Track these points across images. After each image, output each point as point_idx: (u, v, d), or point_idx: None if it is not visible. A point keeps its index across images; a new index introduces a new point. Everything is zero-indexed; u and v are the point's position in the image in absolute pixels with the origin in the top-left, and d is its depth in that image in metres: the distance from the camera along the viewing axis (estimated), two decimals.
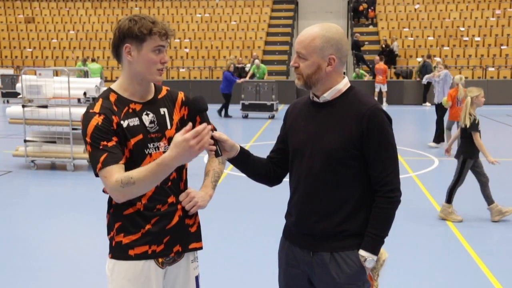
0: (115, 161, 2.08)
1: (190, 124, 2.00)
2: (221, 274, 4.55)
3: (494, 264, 4.74)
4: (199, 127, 1.97)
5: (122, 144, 2.17)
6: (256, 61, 21.30)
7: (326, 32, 2.17)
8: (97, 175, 2.13)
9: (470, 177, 6.03)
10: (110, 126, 2.13)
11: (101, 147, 2.09)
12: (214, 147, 2.19)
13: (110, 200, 2.27)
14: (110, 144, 2.10)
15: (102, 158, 2.08)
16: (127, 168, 2.17)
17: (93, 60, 20.51)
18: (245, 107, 16.57)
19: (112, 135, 2.12)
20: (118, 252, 2.25)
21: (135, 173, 2.05)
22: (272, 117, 16.48)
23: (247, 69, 21.64)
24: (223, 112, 16.73)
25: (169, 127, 2.28)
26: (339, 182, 2.19)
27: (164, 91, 2.35)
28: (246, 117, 16.64)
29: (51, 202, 6.93)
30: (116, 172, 2.06)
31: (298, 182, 2.27)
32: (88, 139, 2.12)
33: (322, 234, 2.23)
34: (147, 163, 2.18)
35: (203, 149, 1.99)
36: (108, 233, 2.30)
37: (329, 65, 2.18)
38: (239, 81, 16.81)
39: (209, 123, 2.23)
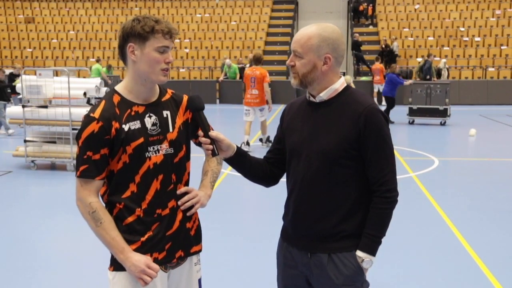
0: (91, 176, 2.16)
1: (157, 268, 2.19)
2: (219, 274, 4.55)
3: (494, 264, 4.74)
4: (155, 275, 2.16)
5: (117, 149, 2.16)
6: (227, 60, 21.43)
7: (323, 32, 2.17)
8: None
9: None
10: (105, 135, 2.14)
11: (85, 156, 2.15)
12: (211, 147, 2.19)
13: (109, 211, 2.25)
14: (94, 156, 2.14)
15: (81, 168, 2.16)
16: (125, 174, 2.18)
17: (97, 61, 20.56)
18: (412, 112, 14.81)
19: (102, 146, 2.14)
20: (119, 263, 2.21)
21: (107, 223, 2.15)
22: (444, 123, 14.69)
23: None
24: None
25: (171, 130, 2.26)
26: (336, 182, 2.18)
27: (168, 94, 2.34)
28: (412, 123, 14.92)
29: (51, 202, 6.93)
30: (92, 190, 2.17)
31: (295, 183, 2.27)
32: (79, 143, 2.17)
33: (319, 235, 2.22)
34: (147, 167, 2.19)
35: (139, 280, 2.17)
36: None
37: (324, 64, 2.18)
38: (406, 82, 15.33)
39: (205, 122, 2.22)
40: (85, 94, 8.67)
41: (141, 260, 2.15)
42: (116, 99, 2.21)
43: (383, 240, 2.23)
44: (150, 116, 2.22)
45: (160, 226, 2.23)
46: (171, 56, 2.20)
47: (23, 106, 8.68)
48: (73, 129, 8.49)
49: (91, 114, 2.15)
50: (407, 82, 15.44)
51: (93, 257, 4.98)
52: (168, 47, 2.18)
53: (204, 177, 2.44)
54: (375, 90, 20.09)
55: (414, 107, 14.80)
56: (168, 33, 2.16)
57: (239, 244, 5.37)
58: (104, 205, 2.23)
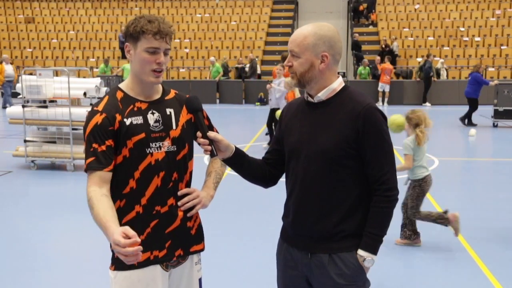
0: (98, 168, 2.15)
1: (131, 234, 1.92)
2: (219, 274, 4.55)
3: (494, 264, 4.74)
4: (137, 242, 1.89)
5: (120, 144, 2.18)
6: (211, 58, 21.51)
7: (319, 30, 2.18)
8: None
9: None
10: (109, 126, 2.16)
11: (91, 149, 2.16)
12: (209, 147, 2.20)
13: None
14: (100, 148, 2.15)
15: (88, 161, 2.16)
16: (125, 169, 2.19)
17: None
18: (498, 114, 13.91)
19: (107, 138, 2.15)
20: (120, 262, 2.21)
21: (98, 206, 2.06)
22: None
23: (246, 69, 21.65)
24: (466, 120, 14.30)
25: (174, 127, 2.27)
26: (335, 182, 2.18)
27: (172, 94, 2.36)
28: (496, 126, 14.10)
29: (51, 202, 6.93)
30: (96, 180, 2.13)
31: (295, 183, 2.27)
32: (85, 137, 2.19)
33: (319, 235, 2.22)
34: (148, 162, 2.19)
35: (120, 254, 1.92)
36: (110, 245, 2.29)
37: (322, 62, 2.18)
38: (492, 83, 14.38)
39: (203, 123, 2.23)
40: (85, 94, 8.67)
41: (118, 244, 1.89)
42: (119, 95, 2.24)
43: (383, 239, 2.23)
44: (153, 113, 2.24)
45: (159, 224, 2.24)
46: (163, 57, 2.17)
47: (23, 106, 8.68)
48: (73, 129, 8.49)
49: (95, 108, 2.20)
50: (493, 82, 14.58)
51: (94, 256, 4.98)
52: (159, 48, 2.15)
53: (207, 177, 2.44)
54: (380, 90, 20.00)
55: (500, 109, 13.93)
56: (157, 33, 2.13)
57: (239, 244, 5.37)
58: (106, 193, 2.16)
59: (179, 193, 2.27)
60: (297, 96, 9.81)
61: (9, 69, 18.99)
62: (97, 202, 2.10)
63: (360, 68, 21.47)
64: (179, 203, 2.27)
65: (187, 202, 2.28)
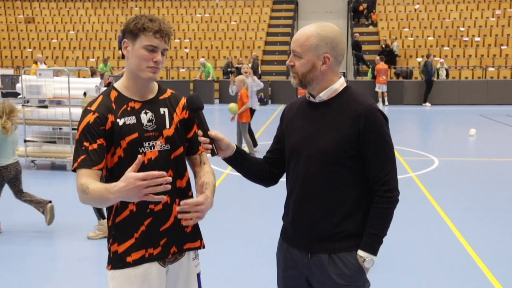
0: (89, 165, 2.13)
1: (139, 158, 1.96)
2: (220, 274, 4.55)
3: (494, 264, 4.74)
4: (155, 173, 1.90)
5: (112, 143, 2.18)
6: (201, 60, 21.50)
7: (321, 31, 2.17)
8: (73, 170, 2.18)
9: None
10: (100, 126, 2.17)
11: (83, 147, 2.16)
12: (210, 146, 2.20)
13: (109, 211, 2.27)
14: (91, 147, 2.15)
15: (79, 159, 2.15)
16: (120, 169, 2.17)
17: None
18: None
19: (98, 137, 2.16)
20: (116, 261, 2.25)
21: (92, 186, 2.07)
22: None
23: None
24: None
25: (167, 126, 2.28)
26: (336, 182, 2.18)
27: (168, 93, 2.36)
28: None
29: None
30: (86, 176, 2.12)
31: (295, 183, 2.27)
32: (77, 135, 2.21)
33: (319, 235, 2.22)
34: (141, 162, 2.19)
35: (148, 196, 1.92)
36: (107, 245, 2.31)
37: (324, 63, 2.18)
38: None
39: (204, 121, 2.23)
40: (85, 94, 8.68)
41: (129, 180, 1.91)
42: (113, 94, 2.26)
43: (383, 240, 2.23)
44: (146, 113, 2.25)
45: (153, 222, 2.24)
46: (160, 56, 2.19)
47: (23, 106, 8.68)
48: (73, 129, 8.49)
49: (88, 108, 2.22)
50: None
51: (93, 257, 4.99)
52: (157, 47, 2.17)
53: (206, 187, 2.29)
54: (379, 90, 19.94)
55: None
56: (157, 32, 2.15)
57: (239, 244, 5.37)
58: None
59: (179, 208, 2.15)
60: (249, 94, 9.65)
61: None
62: (91, 182, 2.08)
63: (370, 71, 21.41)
64: (179, 216, 2.17)
65: (188, 212, 2.15)
